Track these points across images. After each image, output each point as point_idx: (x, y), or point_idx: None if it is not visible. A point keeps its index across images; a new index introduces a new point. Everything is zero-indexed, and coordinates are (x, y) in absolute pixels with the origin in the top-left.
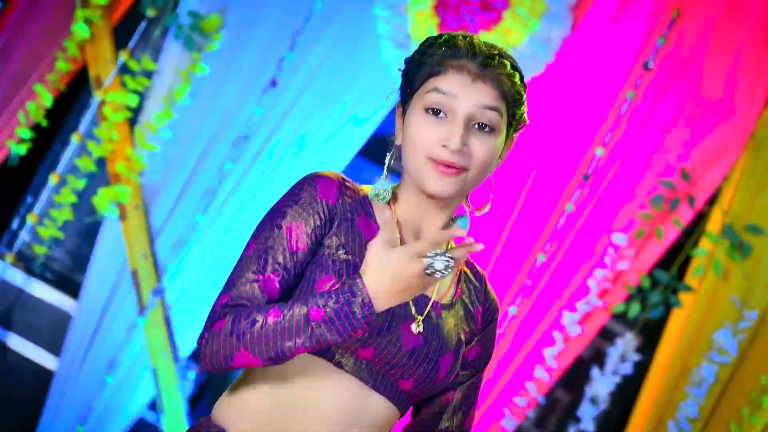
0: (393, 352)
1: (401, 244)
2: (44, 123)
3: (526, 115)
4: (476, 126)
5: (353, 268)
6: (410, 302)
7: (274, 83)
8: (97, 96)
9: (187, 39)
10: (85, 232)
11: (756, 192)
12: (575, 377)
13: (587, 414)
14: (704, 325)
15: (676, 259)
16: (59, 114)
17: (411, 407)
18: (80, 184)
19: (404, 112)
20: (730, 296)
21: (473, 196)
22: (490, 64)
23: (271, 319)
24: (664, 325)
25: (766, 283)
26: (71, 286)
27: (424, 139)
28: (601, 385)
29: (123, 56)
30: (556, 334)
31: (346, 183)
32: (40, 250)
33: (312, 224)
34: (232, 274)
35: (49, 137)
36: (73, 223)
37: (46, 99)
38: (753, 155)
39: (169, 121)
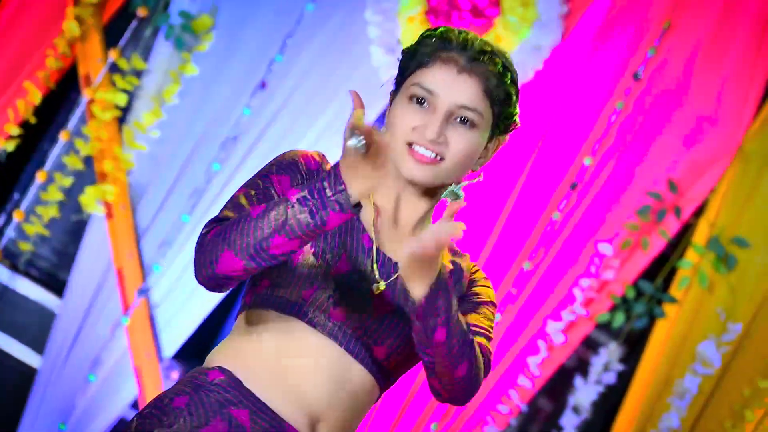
0: (364, 315)
1: (374, 223)
2: (33, 120)
3: (517, 117)
4: (457, 119)
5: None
6: (375, 265)
7: (263, 85)
8: (86, 94)
9: (177, 39)
10: (72, 230)
11: (743, 205)
12: (558, 386)
13: (570, 423)
14: (688, 337)
15: (661, 270)
16: (48, 111)
17: (389, 383)
18: (67, 182)
19: (391, 101)
20: (715, 308)
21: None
22: (479, 59)
23: (253, 214)
24: (648, 336)
25: (751, 295)
26: (56, 284)
27: (404, 124)
28: (584, 394)
29: (113, 55)
30: (540, 343)
31: (326, 161)
32: (25, 247)
33: (297, 178)
34: (221, 210)
35: (38, 134)
36: (59, 221)
37: (35, 96)
38: (741, 168)
39: (158, 120)
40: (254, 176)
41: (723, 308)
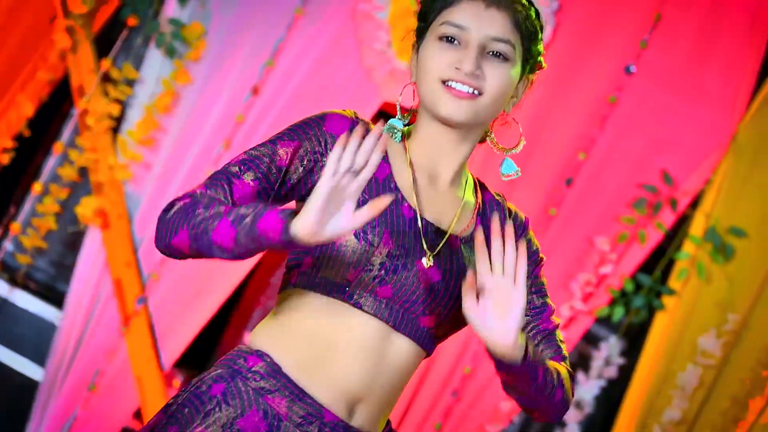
0: (411, 290)
1: (414, 185)
2: (26, 133)
3: (542, 58)
4: (490, 53)
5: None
6: (423, 238)
7: (255, 91)
8: (79, 105)
9: (168, 47)
10: (69, 241)
11: (738, 194)
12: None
13: (572, 418)
14: (688, 328)
15: (659, 263)
16: (41, 123)
17: (434, 348)
18: (63, 193)
19: (419, 48)
20: (714, 299)
21: (499, 137)
22: None
23: (218, 207)
24: (648, 329)
25: (750, 285)
26: (55, 296)
27: (437, 62)
28: (586, 389)
29: (105, 65)
30: None
31: (360, 120)
32: (23, 259)
33: (308, 147)
34: (216, 170)
35: (32, 147)
36: (56, 233)
37: (28, 109)
38: (735, 158)
39: (152, 129)
40: (267, 140)
41: (722, 299)
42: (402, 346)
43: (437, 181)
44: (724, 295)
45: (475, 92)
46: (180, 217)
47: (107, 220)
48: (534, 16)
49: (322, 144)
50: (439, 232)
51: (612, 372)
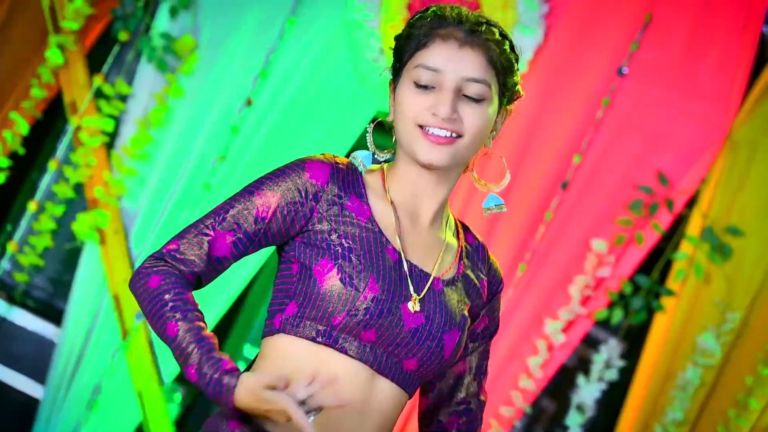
0: (395, 333)
1: (397, 226)
2: (21, 151)
3: (520, 87)
4: (466, 94)
5: (348, 252)
6: (409, 281)
7: (249, 102)
8: (73, 122)
9: (160, 61)
10: (66, 258)
11: (734, 193)
12: (561, 385)
13: (574, 422)
14: (687, 329)
15: (657, 264)
16: (36, 141)
17: (419, 388)
18: (59, 210)
19: (396, 88)
20: (713, 299)
21: (482, 173)
22: (477, 30)
23: (170, 331)
24: (648, 330)
25: (748, 284)
26: (53, 313)
27: (413, 107)
28: (587, 392)
29: (97, 81)
30: (540, 343)
31: (339, 165)
32: (20, 278)
33: (288, 198)
34: (192, 222)
35: (27, 165)
36: (53, 250)
37: (23, 127)
38: (730, 157)
39: (146, 144)
40: (245, 189)
41: (720, 298)
42: (386, 389)
43: (418, 220)
44: (722, 294)
45: (453, 135)
46: (145, 300)
47: (104, 236)
48: (508, 50)
49: (303, 194)
50: (423, 275)
51: (613, 374)
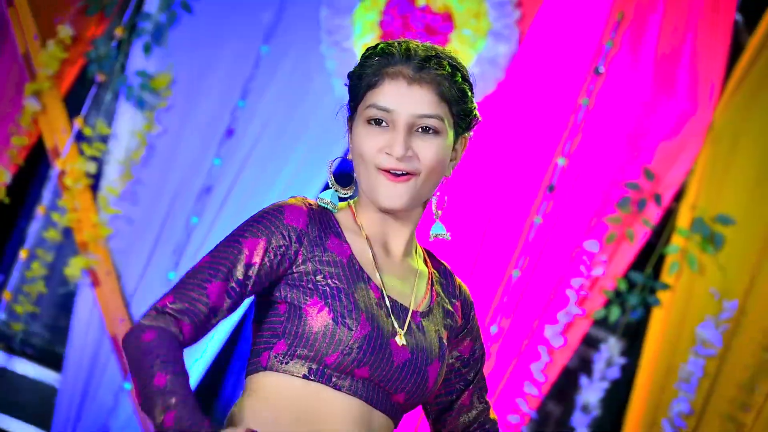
0: (386, 368)
1: (375, 261)
2: (6, 200)
3: (476, 112)
4: (419, 130)
5: (337, 292)
6: (392, 316)
7: (230, 132)
8: (56, 166)
9: (138, 99)
10: (61, 303)
11: (721, 182)
12: (564, 388)
13: (580, 423)
14: (686, 321)
15: (650, 259)
16: (20, 189)
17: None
18: (50, 256)
19: (352, 126)
20: (708, 289)
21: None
22: (426, 66)
23: (162, 382)
24: (646, 326)
25: (742, 270)
26: (53, 359)
27: (368, 148)
28: (591, 392)
29: (77, 124)
30: (541, 348)
31: (312, 207)
32: (17, 327)
33: (274, 243)
34: (183, 276)
35: (13, 213)
36: (47, 296)
37: (5, 176)
38: (713, 146)
39: (130, 182)
40: (222, 241)
41: (716, 287)
42: (379, 421)
43: (391, 252)
44: (717, 283)
45: (409, 173)
46: (137, 351)
47: (97, 278)
48: (460, 80)
49: (286, 237)
50: (403, 309)
51: (615, 372)
